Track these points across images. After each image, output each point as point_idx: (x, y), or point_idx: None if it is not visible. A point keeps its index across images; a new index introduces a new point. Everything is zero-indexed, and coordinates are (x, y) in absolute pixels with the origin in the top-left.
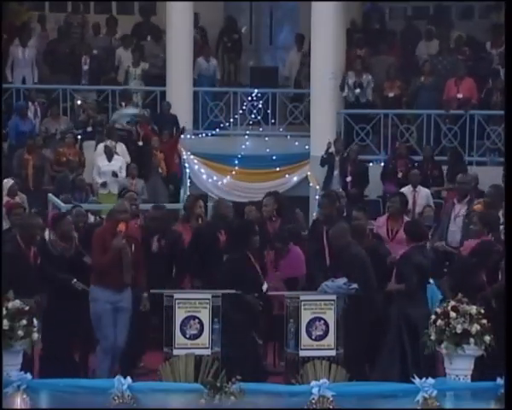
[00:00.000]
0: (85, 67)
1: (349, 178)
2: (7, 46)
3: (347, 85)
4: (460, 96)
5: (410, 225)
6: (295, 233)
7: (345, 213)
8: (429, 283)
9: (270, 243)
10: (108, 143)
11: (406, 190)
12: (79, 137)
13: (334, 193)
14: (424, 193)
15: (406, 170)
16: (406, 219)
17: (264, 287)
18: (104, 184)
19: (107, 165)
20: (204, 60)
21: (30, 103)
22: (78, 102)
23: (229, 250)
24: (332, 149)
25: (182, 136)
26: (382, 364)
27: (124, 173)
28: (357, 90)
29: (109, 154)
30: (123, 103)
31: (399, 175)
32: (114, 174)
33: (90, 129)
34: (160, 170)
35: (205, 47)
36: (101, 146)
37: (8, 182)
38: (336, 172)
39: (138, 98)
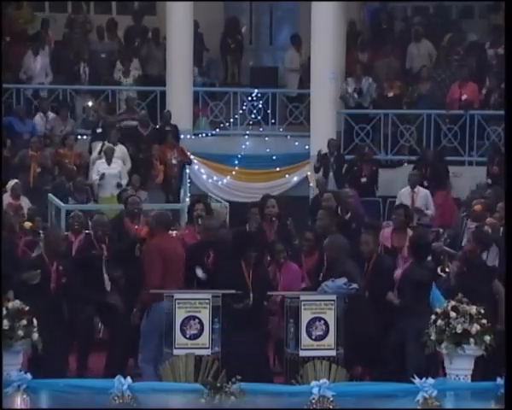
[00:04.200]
0: (84, 74)
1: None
2: (20, 55)
3: (348, 94)
4: (464, 97)
5: (416, 240)
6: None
7: (349, 214)
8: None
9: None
10: (109, 145)
11: (405, 191)
12: (88, 137)
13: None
14: (423, 194)
15: (370, 174)
16: (410, 232)
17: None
18: (102, 177)
19: (107, 168)
20: None
21: (42, 114)
22: (90, 104)
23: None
24: (326, 151)
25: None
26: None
27: (124, 179)
28: (356, 96)
29: (109, 157)
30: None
31: (363, 179)
32: (119, 185)
33: (99, 130)
34: (158, 180)
35: None
36: (98, 147)
37: (11, 183)
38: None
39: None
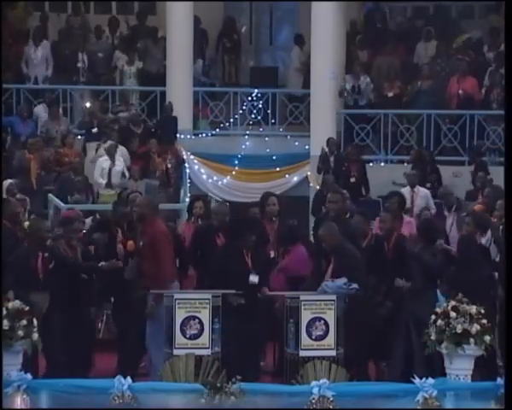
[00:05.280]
0: (82, 65)
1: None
2: (21, 46)
3: (346, 91)
4: (461, 91)
5: (425, 224)
6: (299, 233)
7: (348, 215)
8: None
9: (272, 243)
10: (112, 142)
11: (405, 190)
12: (82, 137)
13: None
14: (423, 193)
15: (360, 174)
16: (407, 218)
17: (252, 279)
18: (109, 185)
19: (111, 166)
20: None
21: (45, 105)
22: (87, 105)
23: (226, 245)
24: (326, 150)
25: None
26: (390, 364)
27: (126, 175)
28: (354, 93)
29: (112, 154)
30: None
31: (353, 180)
32: (123, 175)
33: (95, 130)
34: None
35: None
36: (101, 147)
37: (6, 182)
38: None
39: (135, 98)
